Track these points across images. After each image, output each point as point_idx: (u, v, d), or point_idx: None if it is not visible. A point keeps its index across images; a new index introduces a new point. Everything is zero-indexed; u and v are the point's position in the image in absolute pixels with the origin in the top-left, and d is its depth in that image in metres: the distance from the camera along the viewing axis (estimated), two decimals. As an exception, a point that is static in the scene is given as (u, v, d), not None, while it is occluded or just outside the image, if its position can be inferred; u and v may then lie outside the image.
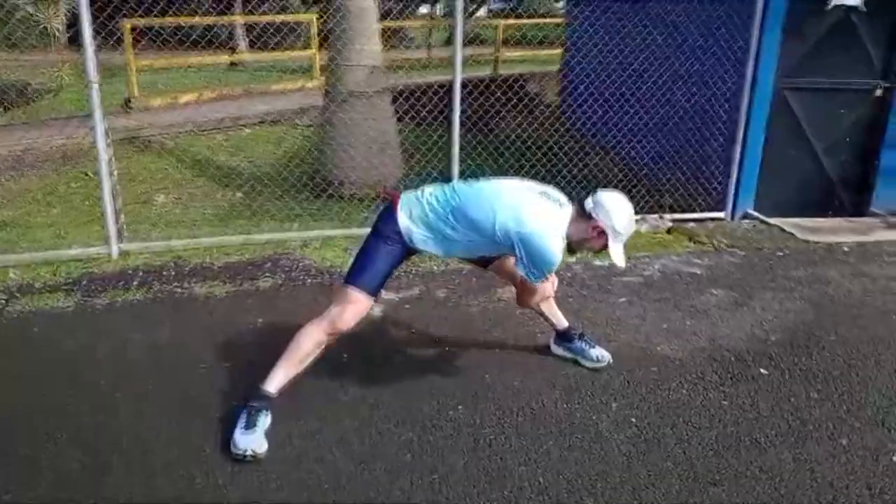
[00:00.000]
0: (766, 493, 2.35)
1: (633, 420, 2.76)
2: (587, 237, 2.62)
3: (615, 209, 2.57)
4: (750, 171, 5.49)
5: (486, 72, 11.55)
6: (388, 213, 2.66)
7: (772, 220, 5.38)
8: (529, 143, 6.49)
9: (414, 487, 2.34)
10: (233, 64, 14.96)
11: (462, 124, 5.07)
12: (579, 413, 2.80)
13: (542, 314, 3.18)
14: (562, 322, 3.21)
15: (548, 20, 14.64)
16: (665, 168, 5.76)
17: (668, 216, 5.43)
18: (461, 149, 5.11)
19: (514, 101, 6.83)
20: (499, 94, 6.59)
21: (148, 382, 2.92)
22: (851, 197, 5.77)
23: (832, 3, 5.26)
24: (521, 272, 2.61)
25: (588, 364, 3.15)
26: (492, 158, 6.10)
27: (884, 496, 2.36)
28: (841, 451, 2.60)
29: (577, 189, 5.51)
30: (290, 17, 14.33)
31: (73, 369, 3.03)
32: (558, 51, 10.67)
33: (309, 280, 4.11)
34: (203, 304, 3.73)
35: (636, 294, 4.02)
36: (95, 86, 4.18)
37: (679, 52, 5.73)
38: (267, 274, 4.18)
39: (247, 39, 15.92)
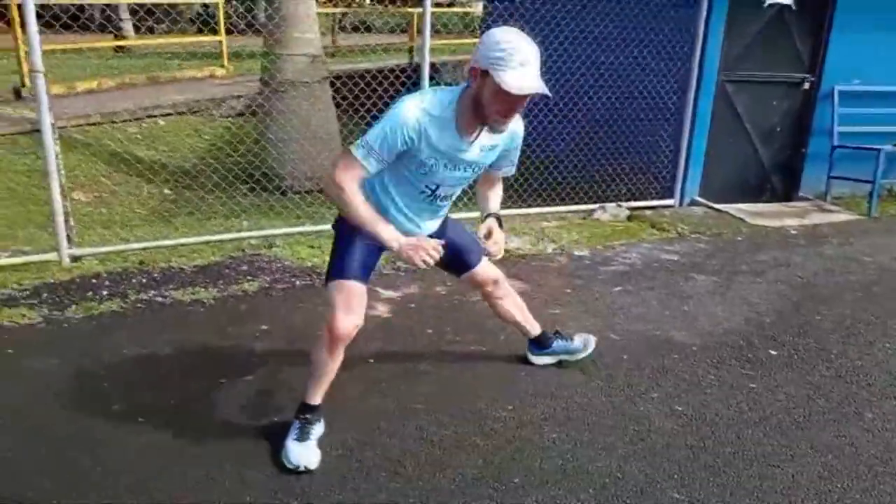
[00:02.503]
0: (824, 472, 2.44)
1: (679, 408, 2.80)
2: (477, 91, 2.14)
3: (483, 40, 2.13)
4: (696, 159, 5.74)
5: (403, 60, 11.37)
6: None
7: (719, 206, 5.67)
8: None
9: (499, 493, 2.25)
10: (118, 49, 13.85)
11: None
12: (626, 405, 2.80)
13: (515, 324, 2.97)
14: (535, 328, 3.00)
15: (456, 9, 14.70)
16: (618, 157, 5.91)
17: (624, 204, 5.59)
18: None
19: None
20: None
21: (168, 402, 2.64)
22: (782, 182, 6.19)
23: (767, 2, 5.59)
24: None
25: (580, 356, 3.05)
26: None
27: (922, 465, 2.52)
28: (870, 425, 2.76)
29: (529, 180, 5.57)
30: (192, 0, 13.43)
31: (70, 394, 2.68)
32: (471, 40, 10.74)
33: (297, 281, 3.87)
34: (193, 313, 3.42)
35: (627, 282, 4.10)
36: (41, 75, 3.75)
37: (629, 47, 5.88)
38: (249, 277, 3.89)
39: (131, 22, 14.73)
